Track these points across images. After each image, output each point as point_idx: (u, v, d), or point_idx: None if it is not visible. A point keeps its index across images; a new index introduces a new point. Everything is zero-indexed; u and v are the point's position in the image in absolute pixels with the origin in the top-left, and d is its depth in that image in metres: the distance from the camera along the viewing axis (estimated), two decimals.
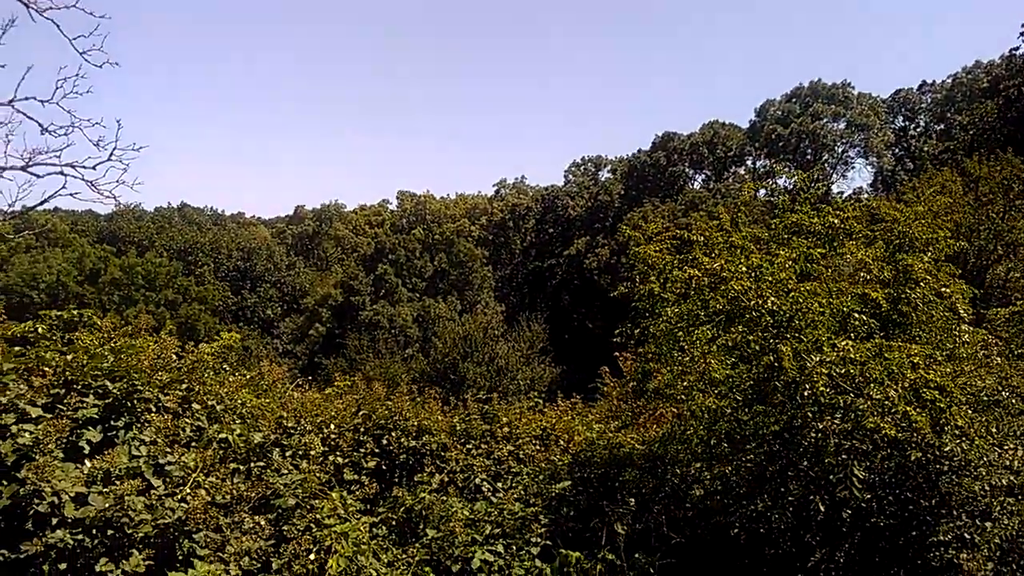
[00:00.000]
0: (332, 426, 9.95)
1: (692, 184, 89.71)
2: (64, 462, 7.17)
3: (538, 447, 10.56)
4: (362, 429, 10.09)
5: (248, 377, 10.51)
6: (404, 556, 7.66)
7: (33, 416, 7.45)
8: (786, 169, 79.58)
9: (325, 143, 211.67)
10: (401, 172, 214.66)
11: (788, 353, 6.67)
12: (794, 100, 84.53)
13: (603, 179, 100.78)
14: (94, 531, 6.79)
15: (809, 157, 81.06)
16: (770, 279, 7.40)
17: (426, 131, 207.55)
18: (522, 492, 9.18)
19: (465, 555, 7.64)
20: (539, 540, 8.05)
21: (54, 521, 6.77)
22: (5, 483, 7.04)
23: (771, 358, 6.98)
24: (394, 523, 8.43)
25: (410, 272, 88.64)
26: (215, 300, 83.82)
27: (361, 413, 10.39)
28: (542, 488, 9.25)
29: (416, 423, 10.11)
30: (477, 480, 9.42)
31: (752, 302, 7.09)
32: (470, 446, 10.16)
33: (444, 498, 8.62)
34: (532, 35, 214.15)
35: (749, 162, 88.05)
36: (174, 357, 9.43)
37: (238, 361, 11.46)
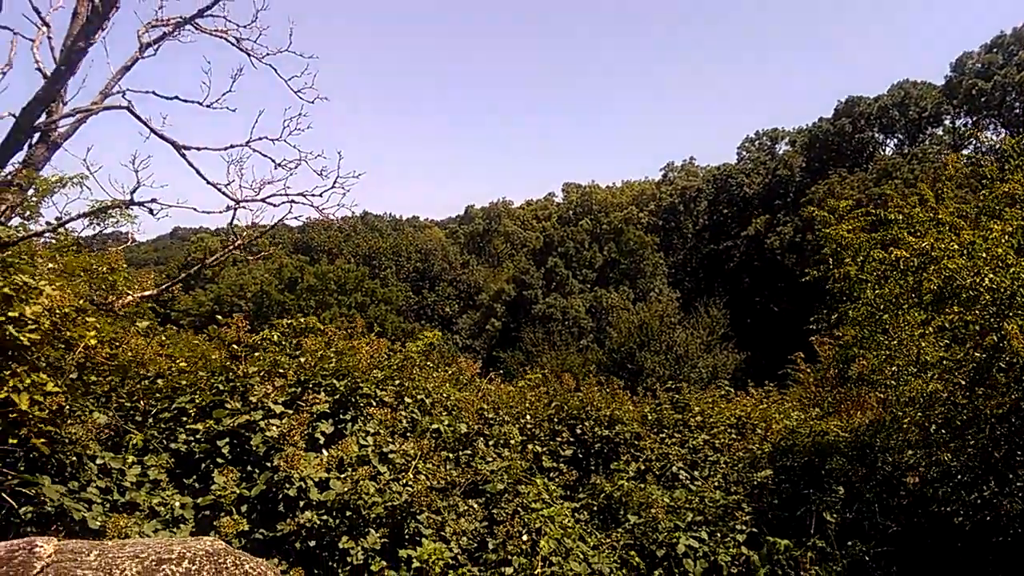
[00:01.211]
0: (528, 416, 10.45)
1: (883, 150, 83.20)
2: (306, 452, 8.16)
3: (734, 436, 10.49)
4: (556, 419, 10.51)
5: (449, 372, 11.29)
6: (608, 540, 7.96)
7: (277, 412, 8.51)
8: (991, 126, 71.66)
9: (492, 143, 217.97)
10: (565, 165, 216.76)
11: (1016, 332, 6.22)
12: (995, 50, 75.81)
13: (781, 152, 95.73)
14: (335, 512, 7.69)
15: (1017, 111, 72.51)
16: (984, 255, 6.92)
17: (590, 121, 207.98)
18: (721, 480, 9.20)
19: (669, 540, 7.81)
20: (743, 527, 8.06)
21: (301, 504, 7.72)
22: (258, 471, 8.13)
23: (995, 338, 6.54)
24: (595, 509, 8.76)
25: (580, 263, 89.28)
26: (399, 300, 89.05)
27: (554, 404, 10.82)
28: (742, 476, 9.21)
29: (608, 413, 10.38)
30: (674, 468, 9.54)
31: (967, 281, 6.67)
32: (663, 435, 10.30)
33: (642, 486, 8.84)
34: (688, 11, 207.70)
35: (947, 122, 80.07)
36: (385, 356, 10.33)
37: (438, 358, 12.27)
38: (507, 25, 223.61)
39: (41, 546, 4.08)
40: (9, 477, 7.27)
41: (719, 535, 8.00)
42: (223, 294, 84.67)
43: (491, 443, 9.65)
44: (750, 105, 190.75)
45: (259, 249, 11.88)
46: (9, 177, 7.14)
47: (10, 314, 6.51)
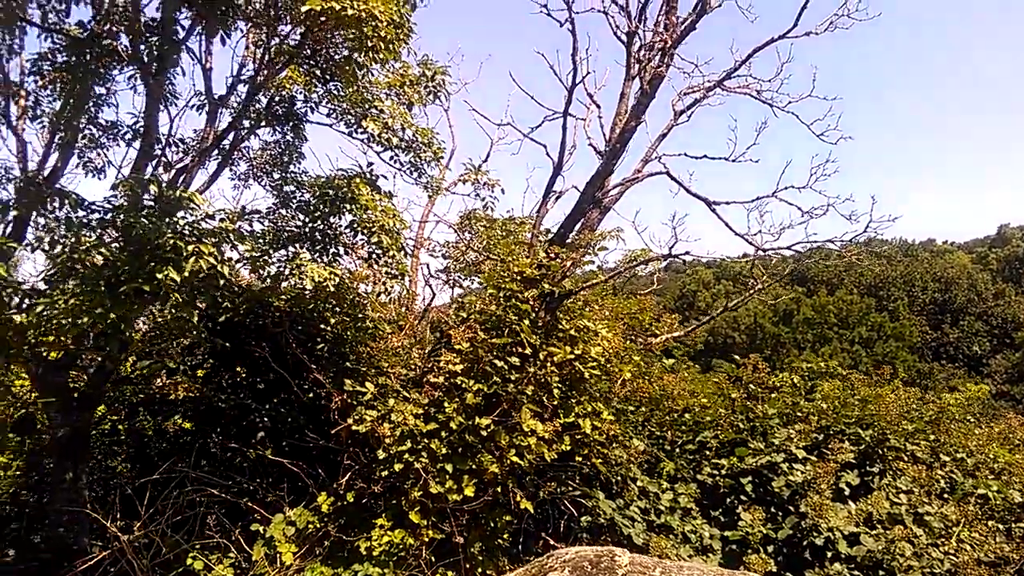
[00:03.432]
0: None
1: None
2: (832, 502, 7.99)
3: None
4: None
5: (996, 430, 9.83)
6: None
7: (800, 457, 8.52)
8: None
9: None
10: None
11: None
12: None
13: None
14: (866, 570, 7.33)
15: None
16: None
17: None
18: None
19: None
20: None
21: (829, 554, 7.57)
22: (782, 514, 8.22)
23: None
24: None
25: None
26: (912, 336, 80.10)
27: None
28: None
29: None
30: None
31: None
32: None
33: None
34: None
35: None
36: (915, 406, 9.51)
37: (977, 409, 10.76)
38: None
39: (620, 556, 4.85)
40: (570, 488, 8.78)
41: None
42: (717, 325, 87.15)
43: None
44: None
45: (772, 291, 12.06)
46: (576, 239, 8.66)
47: (576, 351, 7.90)
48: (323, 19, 6.69)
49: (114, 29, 7.35)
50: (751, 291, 10.19)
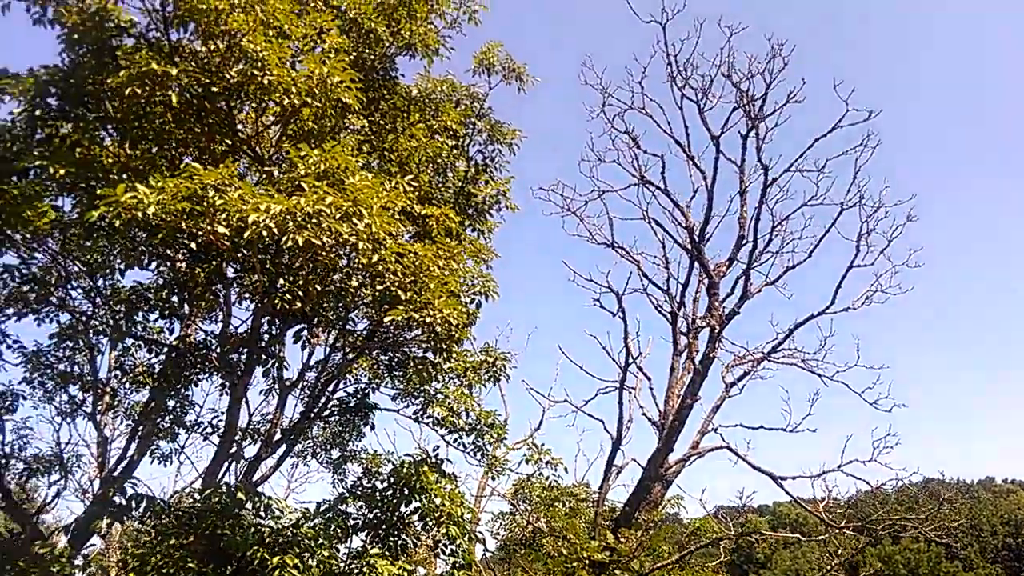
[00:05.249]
0: None
1: None
2: None
3: None
4: None
5: None
6: None
7: None
8: None
9: None
10: None
11: None
12: None
13: None
14: None
15: None
16: None
17: None
18: None
19: None
20: None
21: None
22: None
23: None
24: None
25: None
26: None
27: None
28: None
29: None
30: None
31: None
32: None
33: None
34: None
35: None
36: None
37: None
38: None
39: None
40: None
41: None
42: None
43: None
44: None
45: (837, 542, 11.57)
46: (638, 517, 8.52)
47: None
48: (399, 321, 7.27)
49: (208, 339, 8.07)
50: (830, 568, 9.72)
